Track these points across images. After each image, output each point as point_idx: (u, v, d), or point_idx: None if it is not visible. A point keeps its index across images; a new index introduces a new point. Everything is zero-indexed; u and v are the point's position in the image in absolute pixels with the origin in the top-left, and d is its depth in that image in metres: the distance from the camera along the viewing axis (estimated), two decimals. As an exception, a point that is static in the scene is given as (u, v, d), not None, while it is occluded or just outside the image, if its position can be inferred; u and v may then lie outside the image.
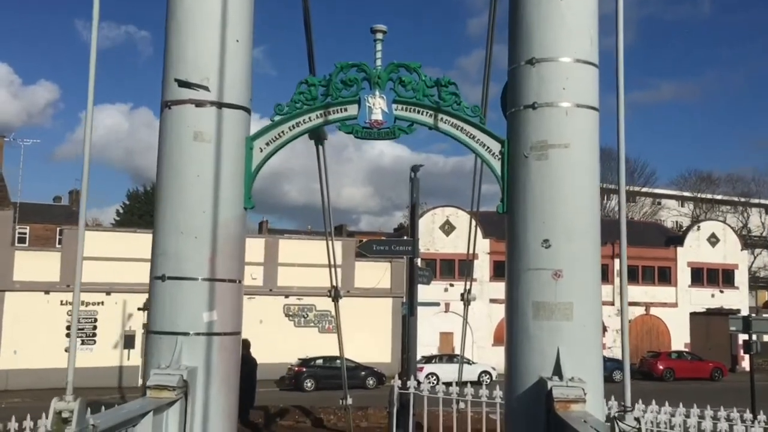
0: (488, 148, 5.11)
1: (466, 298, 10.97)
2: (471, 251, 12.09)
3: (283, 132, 5.40)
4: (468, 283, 11.41)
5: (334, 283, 10.52)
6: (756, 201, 71.16)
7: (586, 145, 4.83)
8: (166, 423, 4.39)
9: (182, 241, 4.85)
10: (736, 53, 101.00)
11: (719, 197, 72.14)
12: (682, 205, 76.38)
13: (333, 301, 10.71)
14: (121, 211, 59.64)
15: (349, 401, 13.40)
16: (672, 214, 71.49)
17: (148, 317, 4.96)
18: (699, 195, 71.60)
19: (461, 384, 12.14)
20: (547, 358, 4.58)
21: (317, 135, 8.78)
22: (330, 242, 10.07)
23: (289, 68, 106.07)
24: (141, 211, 56.52)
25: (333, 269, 10.25)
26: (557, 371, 4.48)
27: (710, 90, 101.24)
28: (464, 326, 12.13)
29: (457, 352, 38.01)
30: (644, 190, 69.10)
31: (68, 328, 33.44)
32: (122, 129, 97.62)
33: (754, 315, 17.52)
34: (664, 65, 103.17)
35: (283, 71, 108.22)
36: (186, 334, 4.75)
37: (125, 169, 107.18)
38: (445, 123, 5.21)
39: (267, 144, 5.41)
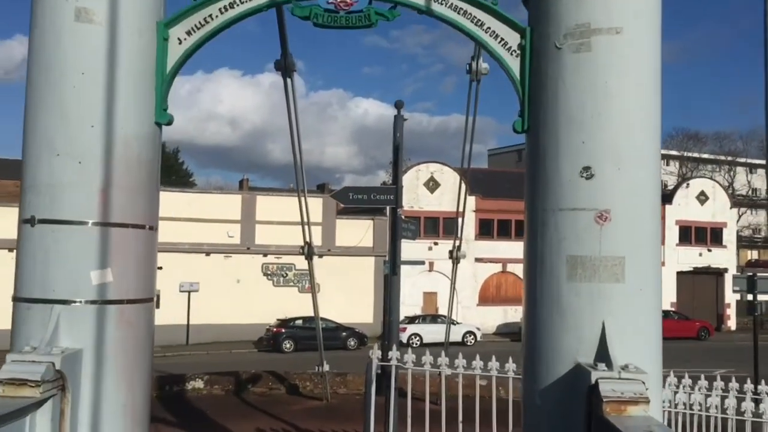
0: (502, 40, 3.57)
1: (456, 256, 9.64)
2: (462, 208, 10.70)
3: (211, 16, 3.77)
4: (457, 240, 10.06)
5: (308, 240, 9.15)
6: (742, 160, 70.46)
7: (645, 30, 3.36)
8: None
9: (60, 166, 3.33)
10: (721, 12, 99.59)
11: (706, 156, 71.35)
12: (668, 164, 75.58)
13: (306, 259, 9.36)
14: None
15: (326, 368, 12.09)
16: (663, 172, 70.50)
17: (15, 277, 3.44)
18: (685, 153, 70.72)
19: (447, 347, 10.79)
20: (587, 335, 3.19)
21: (283, 65, 7.32)
22: (303, 195, 8.66)
23: (271, 25, 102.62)
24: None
25: (306, 225, 8.86)
26: (603, 355, 3.09)
27: (695, 50, 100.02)
28: (453, 285, 10.78)
29: (441, 312, 37.03)
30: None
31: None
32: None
33: (759, 274, 16.42)
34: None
35: (266, 29, 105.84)
36: (66, 302, 3.27)
37: None
38: (441, 4, 3.64)
39: (188, 33, 3.82)
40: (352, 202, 8.06)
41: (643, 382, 2.91)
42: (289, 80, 7.57)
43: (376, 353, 6.47)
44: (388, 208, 37.78)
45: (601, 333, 3.16)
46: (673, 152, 71.92)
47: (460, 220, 9.30)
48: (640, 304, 3.24)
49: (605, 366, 2.99)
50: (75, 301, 3.28)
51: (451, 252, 8.80)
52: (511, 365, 7.05)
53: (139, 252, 3.57)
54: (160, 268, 19.74)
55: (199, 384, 13.46)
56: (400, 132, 7.84)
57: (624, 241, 3.24)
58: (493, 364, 6.73)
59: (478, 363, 6.67)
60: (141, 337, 3.57)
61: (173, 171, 57.08)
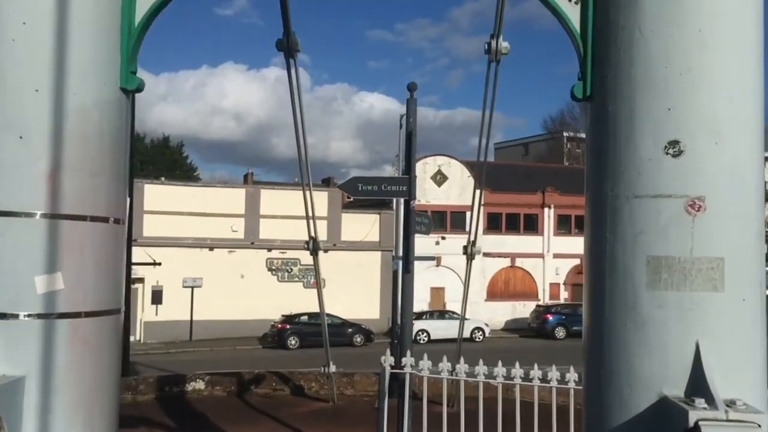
0: (556, -19, 2.83)
1: (470, 252, 8.91)
2: (479, 198, 10.00)
3: (191, -45, 3.05)
4: (473, 235, 9.33)
5: (313, 234, 8.44)
6: None
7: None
8: None
9: None
10: None
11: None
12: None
13: (311, 254, 8.64)
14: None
15: (332, 369, 11.40)
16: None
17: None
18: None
19: (460, 349, 10.06)
20: (675, 359, 2.43)
21: (287, 46, 6.59)
22: (307, 187, 7.94)
23: (276, 19, 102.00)
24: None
25: (312, 219, 8.16)
26: (700, 387, 2.34)
27: None
28: (467, 282, 10.04)
29: (449, 308, 36.33)
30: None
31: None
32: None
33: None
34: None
35: (271, 22, 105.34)
36: (3, 316, 2.54)
37: None
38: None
39: (162, -25, 3.08)
40: (362, 194, 7.34)
41: (759, 425, 2.18)
42: (292, 61, 6.84)
43: (388, 360, 5.77)
44: (395, 200, 36.91)
45: (694, 356, 2.41)
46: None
47: (474, 213, 8.57)
48: (743, 318, 2.49)
49: (705, 402, 2.26)
50: (15, 315, 2.55)
51: (465, 247, 8.06)
52: (536, 372, 6.35)
53: (100, 251, 2.79)
54: (159, 263, 19.04)
55: (200, 385, 12.81)
56: (413, 117, 7.10)
57: (723, 237, 2.47)
58: (517, 371, 5.99)
59: (500, 370, 5.95)
60: (103, 359, 2.79)
61: (177, 165, 56.45)
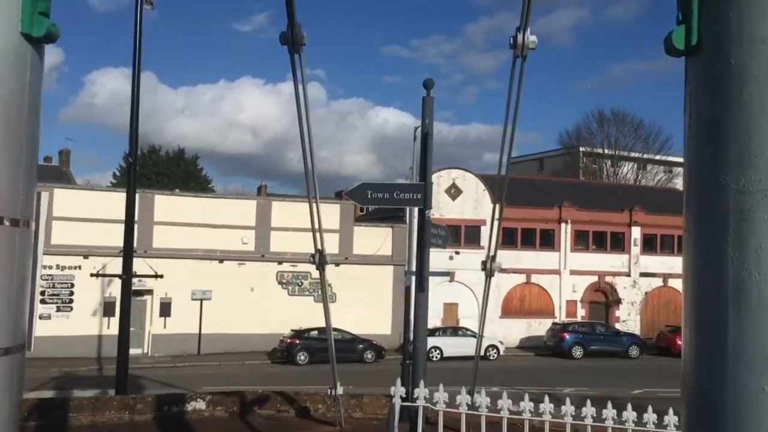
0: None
1: (489, 268, 8.24)
2: (499, 210, 9.35)
3: None
4: (492, 250, 8.67)
5: (319, 247, 7.83)
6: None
7: None
8: None
9: None
10: None
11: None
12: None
13: (318, 268, 8.03)
14: (118, 173, 56.86)
15: (340, 391, 10.72)
16: (686, 183, 68.28)
17: None
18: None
19: (475, 375, 9.26)
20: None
21: (291, 39, 6.03)
22: (314, 196, 7.34)
23: None
24: (138, 174, 53.70)
25: (318, 230, 7.55)
26: None
27: None
28: (485, 300, 9.34)
29: (462, 324, 35.54)
30: (658, 157, 66.04)
31: (42, 293, 30.92)
32: (125, 93, 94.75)
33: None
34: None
35: None
36: None
37: (128, 134, 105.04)
38: None
39: None
40: (371, 202, 6.70)
41: None
42: (297, 56, 6.26)
43: (398, 391, 5.11)
44: (408, 213, 36.31)
45: None
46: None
47: (494, 227, 7.90)
48: None
49: None
50: None
51: (483, 263, 7.40)
52: (588, 410, 5.63)
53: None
54: (161, 276, 18.21)
55: (200, 405, 12.14)
56: (429, 117, 6.48)
57: None
58: (546, 406, 5.30)
59: (526, 405, 5.26)
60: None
61: (192, 177, 56.25)
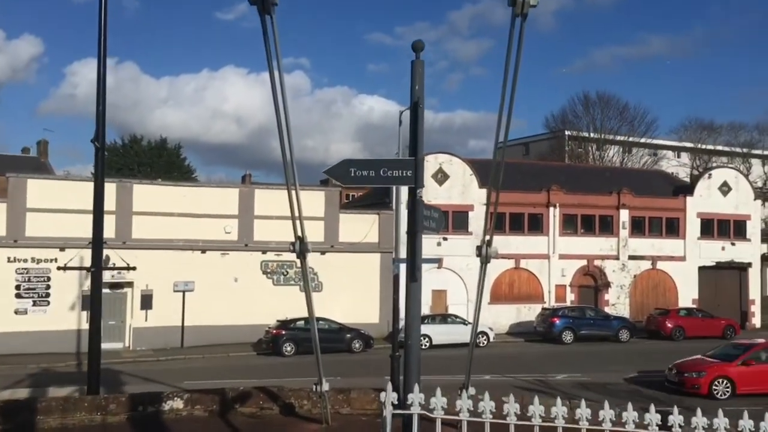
0: None
1: (485, 254, 7.60)
2: (494, 194, 8.72)
3: None
4: (488, 235, 8.01)
5: (299, 234, 7.12)
6: (758, 152, 68.22)
7: None
8: None
9: None
10: (725, 7, 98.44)
11: (720, 147, 69.07)
12: (678, 156, 73.35)
13: (298, 257, 7.35)
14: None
15: (326, 387, 10.07)
16: (671, 165, 68.35)
17: None
18: (700, 146, 68.38)
19: (469, 373, 8.57)
20: None
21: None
22: (292, 178, 6.63)
23: (278, 23, 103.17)
24: (119, 164, 52.65)
25: (299, 217, 6.84)
26: None
27: (700, 44, 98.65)
28: (480, 289, 8.71)
29: (451, 311, 35.01)
30: (643, 140, 65.78)
31: (18, 288, 29.95)
32: (107, 84, 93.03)
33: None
34: (654, 20, 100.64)
35: None
36: None
37: (110, 125, 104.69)
38: None
39: None
40: (355, 181, 5.99)
41: None
42: (268, 18, 5.54)
43: (389, 397, 4.44)
44: (394, 197, 35.54)
45: None
46: (687, 144, 69.60)
47: (490, 210, 7.24)
48: None
49: None
50: None
51: (479, 248, 6.75)
52: (606, 412, 4.98)
53: None
54: (133, 268, 17.33)
55: (178, 404, 11.43)
56: (420, 83, 5.77)
57: None
58: (558, 410, 4.63)
59: (536, 409, 4.60)
60: None
61: (175, 167, 55.12)
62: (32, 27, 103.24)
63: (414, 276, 5.98)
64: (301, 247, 7.23)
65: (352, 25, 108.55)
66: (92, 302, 13.17)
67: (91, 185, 32.37)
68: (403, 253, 35.66)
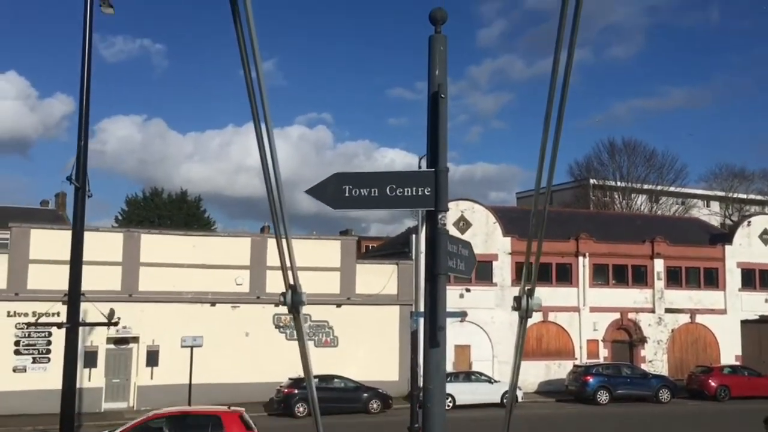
0: None
1: (527, 307, 5.80)
2: (538, 238, 6.94)
3: None
4: (529, 285, 6.26)
5: (291, 282, 5.36)
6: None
7: None
8: None
9: None
10: (744, 58, 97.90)
11: (754, 196, 66.61)
12: (708, 205, 70.94)
13: (290, 311, 5.50)
14: (120, 217, 54.78)
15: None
16: (702, 214, 65.92)
17: None
18: (732, 195, 65.94)
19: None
20: None
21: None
22: (275, 195, 4.97)
23: (300, 80, 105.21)
24: (140, 217, 51.81)
25: (288, 251, 5.11)
26: None
27: (720, 95, 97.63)
28: (519, 346, 6.77)
29: (476, 368, 32.72)
30: (672, 189, 63.61)
31: (17, 344, 28.40)
32: (135, 140, 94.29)
33: None
34: (674, 72, 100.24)
35: (295, 84, 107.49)
36: None
37: (139, 180, 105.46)
38: None
39: None
40: (349, 204, 4.31)
41: None
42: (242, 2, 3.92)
43: None
44: (414, 245, 33.76)
45: None
46: (719, 192, 67.19)
47: (531, 259, 5.55)
48: None
49: None
50: None
51: (517, 300, 4.95)
52: None
53: None
54: (115, 323, 14.87)
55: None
56: (441, 65, 4.16)
57: None
58: None
59: None
60: None
61: (195, 219, 54.15)
62: (65, 86, 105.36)
63: (434, 338, 4.24)
64: (294, 299, 5.38)
65: (374, 80, 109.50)
66: (65, 362, 11.57)
67: (98, 235, 31.05)
68: (423, 306, 33.55)
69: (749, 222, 39.67)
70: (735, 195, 65.85)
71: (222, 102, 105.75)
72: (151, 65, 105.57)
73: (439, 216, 4.27)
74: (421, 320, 31.04)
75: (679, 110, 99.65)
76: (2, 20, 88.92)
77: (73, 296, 11.00)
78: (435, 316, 4.36)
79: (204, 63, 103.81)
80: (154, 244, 30.01)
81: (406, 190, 4.28)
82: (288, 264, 5.56)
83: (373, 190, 4.30)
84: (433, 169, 4.24)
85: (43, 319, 28.26)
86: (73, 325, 11.02)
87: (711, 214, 66.28)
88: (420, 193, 4.27)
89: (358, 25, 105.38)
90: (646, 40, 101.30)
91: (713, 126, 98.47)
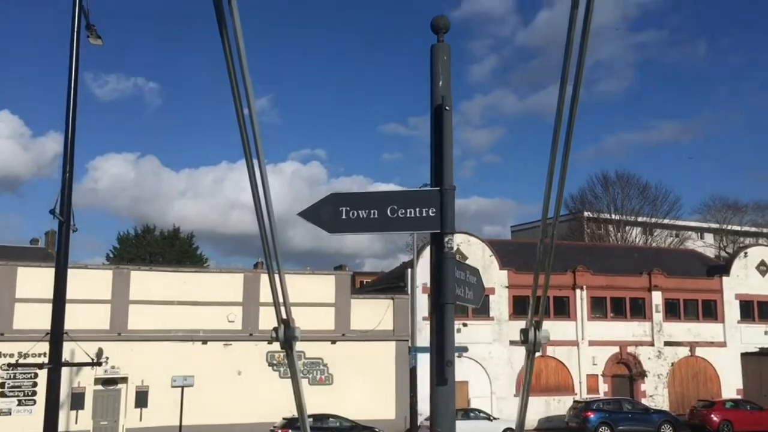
0: None
1: (535, 340, 5.39)
2: (548, 259, 6.58)
3: None
4: (536, 317, 5.85)
5: (284, 316, 4.93)
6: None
7: None
8: None
9: None
10: (731, 91, 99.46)
11: (748, 228, 66.54)
12: (702, 237, 70.84)
13: (282, 347, 5.04)
14: (111, 255, 54.09)
15: None
16: (696, 246, 65.73)
17: None
18: (726, 227, 65.85)
19: None
20: None
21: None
22: (267, 221, 4.58)
23: (293, 117, 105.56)
24: (132, 254, 51.11)
25: (281, 285, 4.70)
26: None
27: (709, 128, 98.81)
28: (527, 381, 6.31)
29: (474, 405, 31.96)
30: (666, 221, 63.50)
31: (2, 385, 27.54)
32: (128, 178, 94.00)
33: None
34: (663, 106, 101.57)
35: (288, 120, 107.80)
36: None
37: (131, 218, 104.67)
38: None
39: None
40: (346, 227, 3.91)
41: None
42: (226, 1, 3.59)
43: None
44: (409, 281, 33.27)
45: None
46: (713, 224, 67.11)
47: (538, 293, 5.17)
48: None
49: None
50: None
51: (524, 333, 4.55)
52: None
53: None
54: (99, 363, 14.21)
55: None
56: (445, 75, 3.82)
57: None
58: None
59: None
60: None
61: (188, 257, 53.48)
62: (58, 125, 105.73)
63: (442, 375, 3.80)
64: (286, 334, 4.94)
65: (367, 116, 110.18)
66: (47, 404, 10.99)
67: (87, 273, 30.38)
68: (419, 341, 33.12)
69: (746, 253, 39.40)
70: (729, 227, 65.73)
71: (216, 138, 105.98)
72: (144, 103, 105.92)
73: (446, 239, 3.89)
74: (420, 356, 30.21)
75: (669, 143, 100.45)
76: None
77: (56, 335, 10.48)
78: (443, 350, 3.94)
79: (198, 100, 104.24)
80: (144, 281, 29.42)
81: (408, 211, 3.91)
82: (281, 297, 5.13)
83: (372, 211, 3.92)
84: (438, 188, 3.88)
85: (29, 359, 27.50)
86: (56, 365, 10.46)
87: (705, 246, 66.14)
88: (424, 215, 3.89)
89: (351, 61, 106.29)
90: (635, 75, 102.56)
91: (704, 158, 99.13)
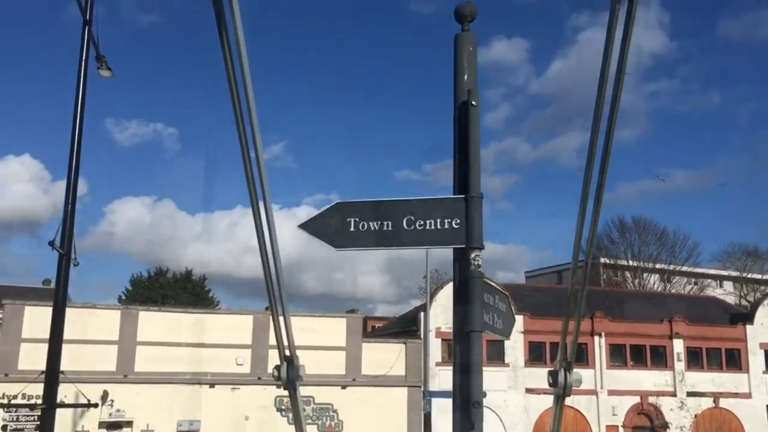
0: None
1: (566, 383, 4.79)
2: (581, 310, 5.99)
3: None
4: (567, 359, 5.26)
5: (286, 353, 4.35)
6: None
7: None
8: None
9: None
10: (744, 139, 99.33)
11: (768, 277, 65.23)
12: (721, 285, 69.41)
13: (285, 387, 4.43)
14: (123, 297, 53.76)
15: None
16: (716, 294, 64.31)
17: None
18: (746, 275, 64.53)
19: None
20: None
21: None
22: (271, 257, 4.07)
23: (308, 162, 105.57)
24: (144, 297, 50.73)
25: (284, 322, 4.15)
26: None
27: (722, 176, 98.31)
28: (555, 429, 5.66)
29: (489, 456, 30.75)
30: (684, 268, 62.34)
31: (4, 428, 26.78)
32: (145, 222, 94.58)
33: None
34: (677, 155, 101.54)
35: (303, 165, 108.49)
36: None
37: (147, 261, 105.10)
38: None
39: None
40: (355, 241, 3.37)
41: None
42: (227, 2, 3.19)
43: None
44: (422, 323, 32.39)
45: None
46: (733, 272, 65.76)
47: (568, 337, 4.60)
48: None
49: None
50: None
51: (553, 375, 3.97)
52: None
53: None
54: (95, 405, 13.39)
55: None
56: (471, 68, 3.36)
57: None
58: None
59: None
60: None
61: (200, 299, 53.04)
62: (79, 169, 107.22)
63: (468, 418, 3.20)
64: (290, 373, 4.32)
65: (382, 163, 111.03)
66: None
67: (95, 313, 29.89)
68: (432, 386, 32.12)
69: (770, 300, 38.27)
70: (750, 275, 64.36)
71: (232, 185, 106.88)
72: (162, 148, 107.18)
73: (473, 255, 3.36)
74: (435, 401, 29.06)
75: (684, 191, 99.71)
76: (19, 105, 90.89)
77: (51, 375, 9.94)
78: (468, 389, 3.36)
79: (214, 145, 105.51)
80: (153, 322, 28.85)
81: (428, 222, 3.37)
82: (284, 334, 4.51)
83: (386, 223, 3.39)
84: (464, 196, 3.37)
85: (32, 401, 26.82)
86: (50, 406, 9.90)
87: (725, 294, 64.69)
88: (447, 226, 3.35)
89: (365, 108, 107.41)
90: (648, 123, 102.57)
91: (722, 205, 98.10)
